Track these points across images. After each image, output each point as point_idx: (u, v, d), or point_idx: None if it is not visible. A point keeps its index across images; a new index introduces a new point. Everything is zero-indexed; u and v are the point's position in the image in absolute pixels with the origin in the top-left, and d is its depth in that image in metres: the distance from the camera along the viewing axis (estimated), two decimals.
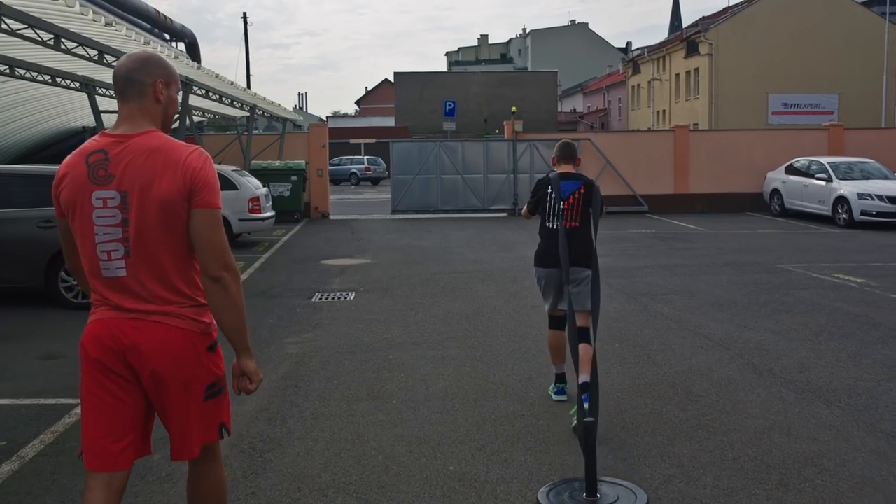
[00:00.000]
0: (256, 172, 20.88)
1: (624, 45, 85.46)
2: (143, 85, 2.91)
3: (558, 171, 5.87)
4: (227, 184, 15.69)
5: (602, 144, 23.55)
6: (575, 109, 76.37)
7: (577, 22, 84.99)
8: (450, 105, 34.09)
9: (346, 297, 10.81)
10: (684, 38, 52.17)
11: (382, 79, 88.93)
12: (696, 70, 50.16)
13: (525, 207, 6.25)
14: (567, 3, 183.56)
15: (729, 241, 16.52)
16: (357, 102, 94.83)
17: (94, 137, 2.95)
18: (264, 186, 16.96)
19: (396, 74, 63.44)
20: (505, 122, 23.88)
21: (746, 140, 23.79)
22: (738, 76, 47.81)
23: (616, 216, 22.26)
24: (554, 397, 6.08)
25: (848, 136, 23.60)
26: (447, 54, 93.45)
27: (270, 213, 16.54)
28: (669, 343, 7.92)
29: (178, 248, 2.89)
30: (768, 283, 11.20)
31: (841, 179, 19.68)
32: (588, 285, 5.43)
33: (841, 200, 19.31)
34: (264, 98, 19.89)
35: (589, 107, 74.43)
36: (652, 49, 57.82)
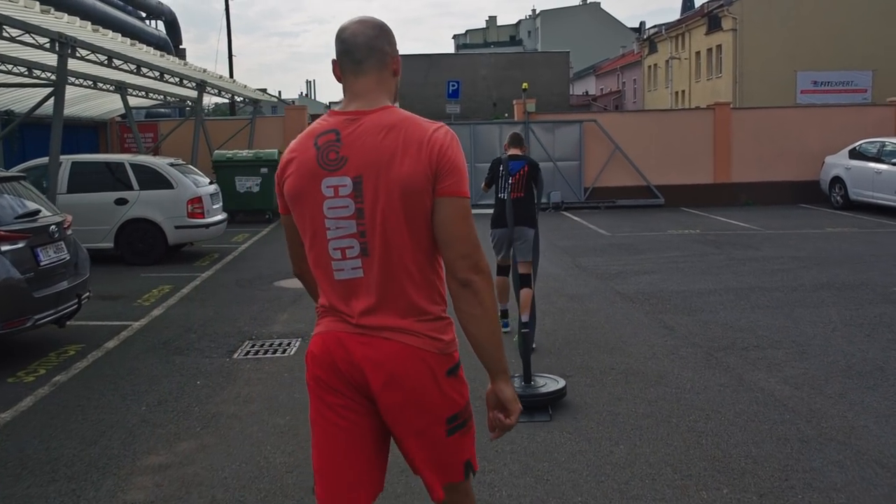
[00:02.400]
0: (220, 164, 17.29)
1: (637, 26, 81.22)
2: (384, 55, 2.43)
3: (508, 154, 7.33)
4: (159, 181, 12.08)
5: (618, 126, 19.82)
6: (587, 92, 72.35)
7: (588, 1, 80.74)
8: (453, 86, 30.29)
9: (285, 350, 7.23)
10: (705, 13, 48.10)
11: None
12: (719, 47, 46.14)
13: (484, 183, 7.56)
14: None
15: (801, 245, 12.80)
16: None
17: (324, 116, 2.45)
18: (212, 183, 13.30)
19: (400, 57, 59.46)
20: (515, 102, 20.19)
21: (797, 119, 19.97)
22: (764, 53, 43.81)
23: (634, 211, 18.56)
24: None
25: None
26: (454, 37, 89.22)
27: (219, 218, 12.89)
28: (819, 482, 4.24)
29: (423, 244, 2.34)
30: None
31: None
32: (529, 242, 6.86)
33: None
34: (220, 76, 16.14)
35: (602, 89, 70.36)
36: (670, 26, 53.74)
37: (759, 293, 9.09)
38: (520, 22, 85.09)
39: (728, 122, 19.60)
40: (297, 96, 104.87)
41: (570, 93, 65.58)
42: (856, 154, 17.85)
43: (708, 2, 49.50)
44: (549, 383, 5.50)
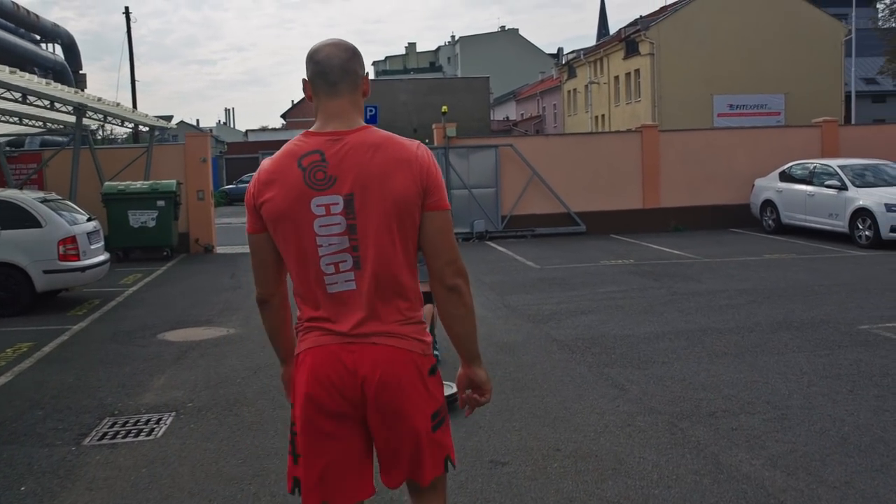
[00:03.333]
0: (111, 197, 15.55)
1: (555, 52, 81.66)
2: (357, 77, 2.53)
3: None
4: (24, 219, 10.37)
5: (540, 150, 18.79)
6: (507, 117, 72.05)
7: (507, 28, 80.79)
8: (371, 111, 29.02)
9: (151, 431, 5.74)
10: (623, 38, 48.13)
11: None
12: (637, 72, 46.13)
13: None
14: (494, 15, 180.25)
15: (743, 275, 11.84)
16: (283, 116, 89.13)
17: (299, 138, 2.51)
18: (91, 220, 11.60)
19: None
20: (434, 127, 18.98)
21: (726, 141, 19.28)
22: (681, 77, 43.93)
23: (562, 240, 17.52)
24: None
25: (843, 133, 19.31)
26: (374, 63, 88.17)
27: (99, 259, 11.19)
28: None
29: (410, 255, 2.51)
30: (886, 372, 6.47)
31: (858, 187, 15.28)
32: None
33: (861, 214, 14.88)
34: (99, 99, 14.34)
35: (522, 114, 70.10)
36: (588, 51, 53.73)
37: (713, 336, 7.97)
38: (439, 48, 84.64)
39: (656, 145, 18.78)
40: (214, 124, 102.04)
41: (491, 118, 65.07)
42: (786, 177, 17.19)
43: (625, 27, 49.60)
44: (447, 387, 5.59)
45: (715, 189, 18.91)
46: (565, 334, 8.31)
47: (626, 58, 47.30)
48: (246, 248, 17.16)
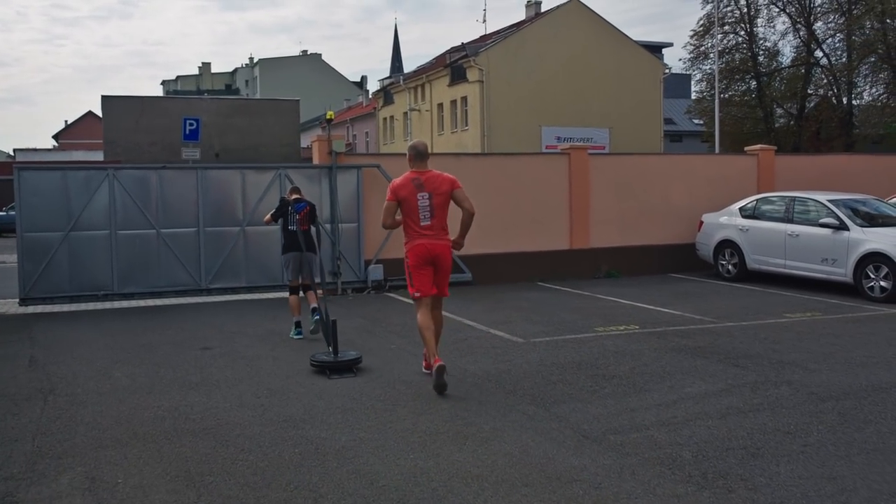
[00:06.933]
0: None
1: (359, 80, 77.67)
2: (428, 155, 7.15)
3: (293, 198, 9.39)
4: None
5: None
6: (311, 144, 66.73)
7: (309, 53, 75.73)
8: (191, 124, 23.40)
9: None
10: (447, 63, 44.91)
11: (86, 111, 73.56)
12: (465, 99, 43.00)
13: (269, 215, 9.38)
14: (283, 44, 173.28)
15: (760, 347, 8.05)
16: (55, 137, 78.08)
17: (411, 171, 6.95)
18: None
19: (104, 99, 49.82)
20: (314, 140, 13.99)
21: (659, 169, 15.83)
22: (510, 106, 41.30)
23: (499, 290, 13.18)
24: (294, 337, 9.13)
25: (778, 161, 16.49)
26: (163, 83, 79.46)
27: None
28: None
29: (446, 213, 7.04)
30: None
31: (863, 227, 12.20)
32: (314, 265, 9.28)
33: (872, 259, 11.77)
34: None
35: None
36: (408, 76, 50.09)
37: None
38: (237, 70, 77.73)
39: (586, 172, 14.91)
40: None
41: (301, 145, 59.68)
42: (750, 213, 13.93)
43: (449, 51, 46.49)
44: (350, 353, 7.69)
45: (649, 226, 15.36)
46: None
47: (451, 84, 44.11)
48: (44, 307, 11.12)
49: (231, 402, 6.59)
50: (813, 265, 12.61)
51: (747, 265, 13.71)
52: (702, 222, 14.77)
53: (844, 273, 12.11)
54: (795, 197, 13.33)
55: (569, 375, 7.29)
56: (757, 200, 13.99)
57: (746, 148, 17.13)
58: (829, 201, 12.73)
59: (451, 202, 6.89)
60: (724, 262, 14.17)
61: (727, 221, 14.17)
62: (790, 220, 13.11)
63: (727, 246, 14.09)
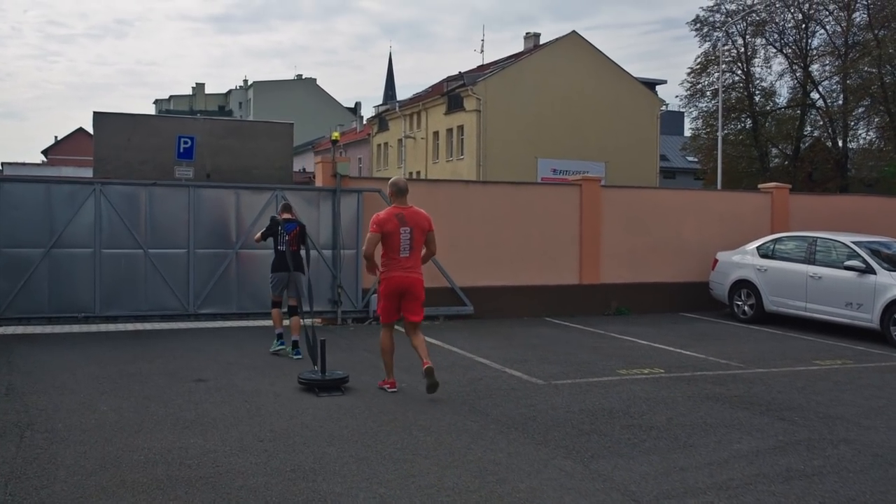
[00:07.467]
0: None
1: (353, 106, 77.36)
2: (408, 191, 7.61)
3: (283, 217, 9.51)
4: None
5: (435, 201, 13.59)
6: (304, 169, 66.30)
7: (304, 77, 75.42)
8: (186, 142, 22.70)
9: None
10: (444, 92, 44.57)
11: (77, 127, 72.80)
12: (461, 128, 42.61)
13: (259, 234, 9.58)
14: (277, 69, 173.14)
15: (801, 398, 7.44)
16: (45, 152, 77.16)
17: (393, 206, 7.48)
18: None
19: (96, 115, 49.03)
20: (318, 161, 13.35)
21: (673, 204, 15.29)
22: (507, 136, 40.94)
23: (506, 325, 12.53)
24: (276, 348, 9.50)
25: (793, 201, 15.99)
26: (156, 102, 78.82)
27: None
28: None
29: (421, 247, 7.60)
30: None
31: (890, 271, 11.65)
32: (301, 284, 9.29)
33: None
34: None
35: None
36: (404, 103, 49.72)
37: None
38: (230, 91, 77.25)
39: (598, 204, 14.37)
40: None
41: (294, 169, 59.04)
42: (769, 252, 13.37)
43: (446, 80, 46.17)
44: (337, 372, 7.83)
45: (660, 262, 14.77)
46: None
47: (448, 112, 43.74)
48: (20, 328, 10.30)
49: (231, 445, 5.87)
50: (836, 309, 12.03)
51: (765, 307, 13.11)
52: (716, 260, 14.19)
53: (871, 318, 11.53)
54: (817, 237, 12.78)
55: (601, 425, 6.62)
56: (776, 240, 13.44)
57: (760, 185, 16.62)
58: (854, 243, 12.19)
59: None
60: (739, 303, 13.58)
61: (744, 261, 13.60)
62: (812, 262, 12.55)
63: (744, 286, 13.51)
